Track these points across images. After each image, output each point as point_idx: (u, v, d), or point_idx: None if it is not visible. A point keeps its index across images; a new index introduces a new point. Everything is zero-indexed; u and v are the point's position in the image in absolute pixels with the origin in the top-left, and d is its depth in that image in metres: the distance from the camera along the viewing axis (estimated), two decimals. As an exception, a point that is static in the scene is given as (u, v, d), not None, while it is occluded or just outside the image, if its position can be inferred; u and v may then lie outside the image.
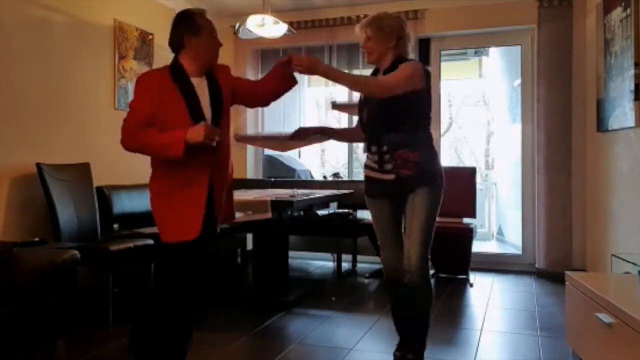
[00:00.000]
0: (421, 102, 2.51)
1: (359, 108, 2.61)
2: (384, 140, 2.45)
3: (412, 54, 2.65)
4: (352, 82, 2.51)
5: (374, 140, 2.51)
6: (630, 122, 3.57)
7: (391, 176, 2.45)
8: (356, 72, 5.48)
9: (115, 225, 4.14)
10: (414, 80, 2.42)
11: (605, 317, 2.20)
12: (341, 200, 4.75)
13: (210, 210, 2.29)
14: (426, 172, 2.43)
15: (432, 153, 2.51)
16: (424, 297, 2.55)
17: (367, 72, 2.77)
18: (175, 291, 2.28)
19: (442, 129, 6.63)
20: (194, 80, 2.26)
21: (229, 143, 2.41)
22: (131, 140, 2.20)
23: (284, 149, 5.21)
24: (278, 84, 2.49)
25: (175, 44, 2.28)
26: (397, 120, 2.44)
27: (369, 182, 2.59)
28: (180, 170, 2.22)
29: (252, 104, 2.71)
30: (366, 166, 2.59)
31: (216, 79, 2.33)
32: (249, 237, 5.38)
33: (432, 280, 4.65)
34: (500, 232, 7.08)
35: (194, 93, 2.22)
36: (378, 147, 2.48)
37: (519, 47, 5.22)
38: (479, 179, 4.90)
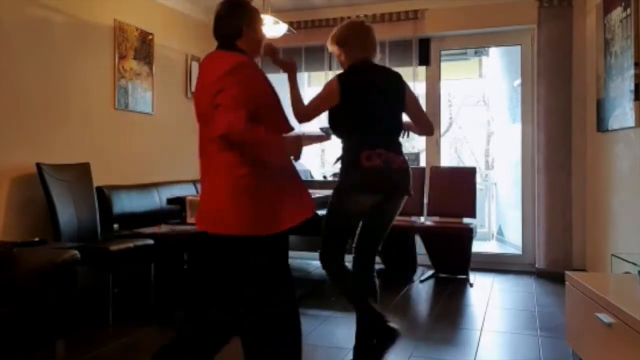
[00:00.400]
0: (342, 115, 2.55)
1: None
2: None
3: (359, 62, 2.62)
4: (292, 102, 2.57)
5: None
6: (630, 122, 3.57)
7: None
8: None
9: (115, 225, 4.14)
10: (324, 102, 2.54)
11: (605, 317, 2.20)
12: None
13: None
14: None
15: (345, 163, 2.60)
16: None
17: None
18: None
19: (442, 129, 6.64)
20: None
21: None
22: None
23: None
24: None
25: (233, 33, 2.23)
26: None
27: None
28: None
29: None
30: None
31: None
32: (249, 237, 5.38)
33: (432, 281, 4.66)
34: (500, 232, 7.07)
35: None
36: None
37: (519, 47, 5.22)
38: (479, 179, 4.91)
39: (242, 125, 1.87)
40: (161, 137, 4.98)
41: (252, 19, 2.25)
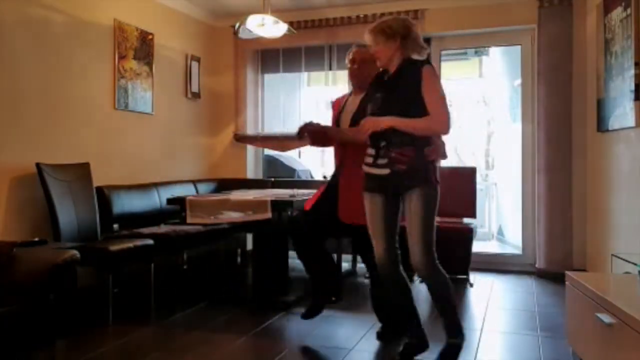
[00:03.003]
0: (422, 102, 2.51)
1: (364, 105, 2.71)
2: (383, 137, 2.52)
3: (424, 52, 2.64)
4: (414, 129, 2.51)
5: (373, 136, 2.57)
6: (631, 122, 3.56)
7: (385, 171, 2.54)
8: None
9: (115, 225, 4.14)
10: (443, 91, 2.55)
11: (605, 317, 2.19)
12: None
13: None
14: (418, 169, 2.51)
15: (424, 153, 2.54)
16: (440, 286, 2.64)
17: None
18: None
19: (442, 129, 6.62)
20: (352, 98, 3.08)
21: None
22: None
23: (283, 149, 5.23)
24: None
25: None
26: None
27: (366, 178, 2.67)
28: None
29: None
30: (364, 163, 2.66)
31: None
32: (249, 237, 5.38)
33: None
34: (500, 232, 7.07)
35: (343, 108, 3.09)
36: (376, 142, 2.56)
37: (519, 47, 5.22)
38: (479, 179, 4.90)
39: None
40: (161, 137, 4.98)
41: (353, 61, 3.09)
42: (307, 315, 3.24)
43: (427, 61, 2.60)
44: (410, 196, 2.53)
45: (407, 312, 2.76)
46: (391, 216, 2.67)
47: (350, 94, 3.16)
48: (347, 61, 3.08)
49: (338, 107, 3.18)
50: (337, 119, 3.11)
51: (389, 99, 2.56)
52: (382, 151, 2.54)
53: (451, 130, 2.51)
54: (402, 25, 2.58)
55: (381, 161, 2.55)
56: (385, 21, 2.61)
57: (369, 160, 2.62)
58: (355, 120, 2.90)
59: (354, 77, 3.08)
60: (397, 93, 2.55)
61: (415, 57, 2.60)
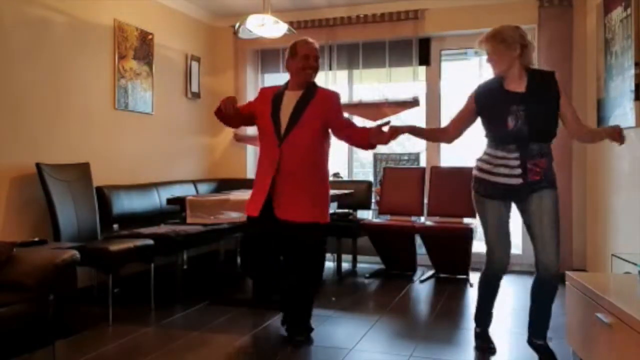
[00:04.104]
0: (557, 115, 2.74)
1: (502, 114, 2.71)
2: (524, 149, 2.64)
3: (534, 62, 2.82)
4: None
5: (508, 146, 2.66)
6: (631, 122, 3.56)
7: (518, 180, 2.65)
8: (356, 72, 5.49)
9: (115, 225, 4.14)
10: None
11: (605, 317, 2.19)
12: (341, 200, 4.75)
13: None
14: (550, 177, 2.71)
15: (552, 161, 2.77)
16: (556, 290, 2.79)
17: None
18: None
19: (442, 129, 6.62)
20: (289, 93, 3.02)
21: (307, 145, 2.97)
22: None
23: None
24: (357, 141, 3.11)
25: (285, 65, 3.09)
26: (542, 133, 2.69)
27: (485, 184, 2.75)
28: (260, 160, 3.10)
29: (335, 136, 3.16)
30: (483, 170, 2.75)
31: (314, 95, 3.00)
32: (249, 237, 5.37)
33: (432, 281, 4.66)
34: (500, 232, 7.05)
35: (279, 101, 3.00)
36: (515, 153, 2.65)
37: (519, 47, 5.21)
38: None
39: None
40: (161, 137, 4.98)
41: (294, 53, 3.01)
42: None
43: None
44: (541, 198, 2.69)
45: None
46: (509, 219, 2.83)
47: (284, 89, 3.07)
48: (302, 54, 2.98)
49: (265, 98, 3.08)
50: (270, 112, 2.99)
51: (534, 113, 2.65)
52: (517, 162, 2.65)
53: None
54: (520, 36, 2.67)
55: (516, 171, 2.65)
56: (501, 32, 2.67)
57: (498, 169, 2.69)
58: (294, 120, 2.93)
59: (311, 74, 3.03)
60: (541, 106, 2.68)
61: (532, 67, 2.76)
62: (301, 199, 2.93)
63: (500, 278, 2.92)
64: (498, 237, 2.80)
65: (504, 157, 2.68)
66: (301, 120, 2.93)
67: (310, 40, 3.07)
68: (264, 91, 3.20)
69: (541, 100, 2.66)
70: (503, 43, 2.63)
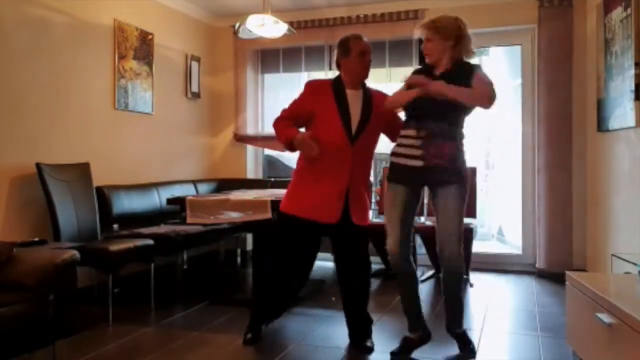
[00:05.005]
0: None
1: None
2: (425, 128, 2.55)
3: (474, 55, 2.75)
4: (468, 98, 2.58)
5: (412, 125, 2.60)
6: (631, 122, 3.56)
7: (419, 162, 2.56)
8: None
9: (115, 225, 4.15)
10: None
11: (605, 317, 2.19)
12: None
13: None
14: (455, 167, 2.57)
15: (463, 151, 2.63)
16: (461, 279, 2.83)
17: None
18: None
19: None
20: (349, 92, 2.87)
21: (372, 147, 2.95)
22: (274, 123, 2.95)
23: (283, 149, 5.22)
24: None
25: (336, 63, 3.00)
26: (444, 111, 2.55)
27: (393, 168, 2.69)
28: (317, 166, 2.88)
29: (386, 135, 3.05)
30: (394, 153, 2.69)
31: (371, 95, 2.89)
32: (249, 237, 5.38)
33: (432, 281, 4.66)
34: (500, 232, 7.07)
35: (343, 99, 2.84)
36: (416, 132, 2.57)
37: (519, 47, 5.21)
38: (479, 179, 4.89)
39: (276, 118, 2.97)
40: (161, 137, 4.98)
41: (349, 51, 2.94)
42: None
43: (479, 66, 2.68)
44: (445, 195, 2.60)
45: (415, 303, 2.81)
46: (412, 207, 2.71)
47: (343, 86, 2.91)
48: (357, 52, 2.89)
49: (320, 94, 2.90)
50: (337, 110, 2.82)
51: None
52: (420, 141, 2.55)
53: (492, 107, 2.59)
54: (457, 27, 2.69)
55: (416, 152, 2.56)
56: (439, 20, 2.72)
57: (402, 150, 2.62)
58: (364, 122, 2.82)
59: (366, 70, 2.92)
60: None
61: (465, 59, 2.69)
62: (366, 200, 2.98)
63: (405, 274, 2.75)
64: (391, 221, 2.68)
65: (406, 136, 2.63)
66: (370, 122, 2.85)
67: (360, 34, 2.98)
68: (315, 87, 2.98)
69: (450, 81, 2.55)
70: (438, 33, 2.65)
